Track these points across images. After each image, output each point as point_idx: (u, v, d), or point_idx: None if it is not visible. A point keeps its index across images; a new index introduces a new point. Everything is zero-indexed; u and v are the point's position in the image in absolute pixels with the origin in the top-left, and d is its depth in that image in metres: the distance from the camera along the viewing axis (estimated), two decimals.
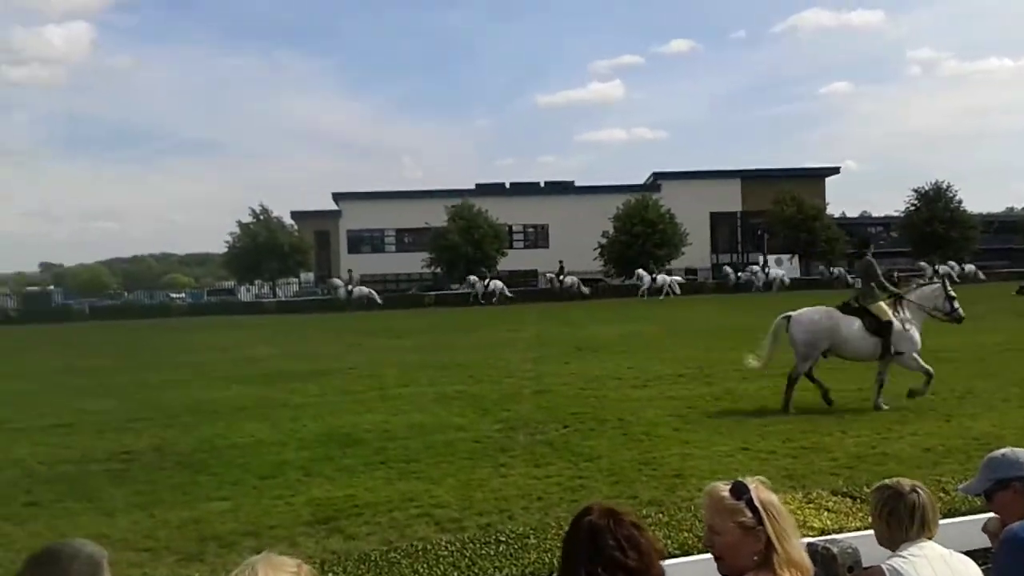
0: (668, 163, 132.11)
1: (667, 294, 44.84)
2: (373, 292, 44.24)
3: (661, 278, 46.36)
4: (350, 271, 46.50)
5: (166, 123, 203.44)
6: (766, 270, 49.78)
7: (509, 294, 45.32)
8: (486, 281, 45.27)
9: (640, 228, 50.23)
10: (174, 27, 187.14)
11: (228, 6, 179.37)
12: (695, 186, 59.91)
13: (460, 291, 45.85)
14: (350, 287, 44.09)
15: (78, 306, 47.57)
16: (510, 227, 56.12)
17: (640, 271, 47.08)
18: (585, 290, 46.29)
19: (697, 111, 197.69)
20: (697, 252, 54.90)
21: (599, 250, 51.73)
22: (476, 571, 4.50)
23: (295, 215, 56.94)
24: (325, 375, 15.72)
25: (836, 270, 51.62)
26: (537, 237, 61.25)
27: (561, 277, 47.35)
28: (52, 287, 72.26)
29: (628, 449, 8.83)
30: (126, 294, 59.02)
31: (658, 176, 62.19)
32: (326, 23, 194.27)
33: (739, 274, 50.25)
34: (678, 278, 47.95)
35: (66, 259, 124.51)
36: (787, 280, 49.25)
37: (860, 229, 61.97)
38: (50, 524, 6.86)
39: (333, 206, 60.42)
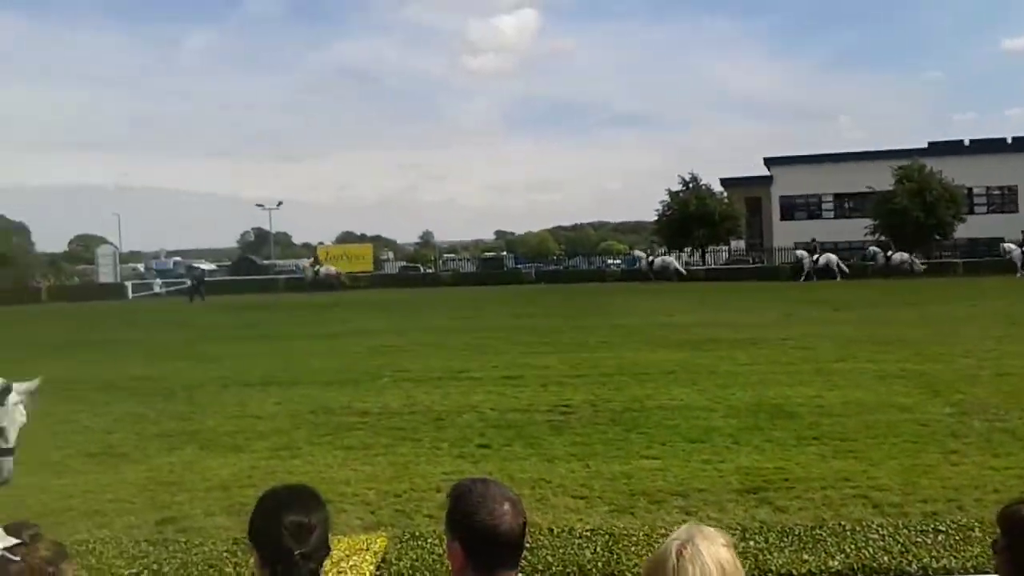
0: None
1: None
2: (675, 262, 43.62)
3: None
4: (652, 243, 45.80)
5: (601, 97, 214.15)
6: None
7: (844, 268, 40.45)
8: (815, 256, 40.86)
9: None
10: (607, 3, 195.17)
11: None
12: None
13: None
14: (651, 259, 44.24)
15: (526, 270, 52.03)
16: (969, 189, 50.03)
17: (1007, 244, 39.52)
18: (919, 267, 40.29)
19: None
20: None
21: None
22: (909, 559, 4.09)
23: (725, 182, 56.43)
24: (755, 344, 15.41)
25: None
26: (1004, 201, 53.99)
27: (889, 253, 41.58)
28: (504, 252, 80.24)
29: None
30: (567, 259, 63.23)
31: None
32: None
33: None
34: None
35: (517, 227, 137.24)
36: None
37: None
38: (500, 465, 7.54)
39: (764, 172, 59.00)
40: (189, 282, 38.51)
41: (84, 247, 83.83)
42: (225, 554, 3.75)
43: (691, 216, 48.73)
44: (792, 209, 57.57)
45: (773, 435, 8.39)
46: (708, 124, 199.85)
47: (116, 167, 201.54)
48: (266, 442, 8.92)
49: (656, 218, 53.01)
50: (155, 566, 3.63)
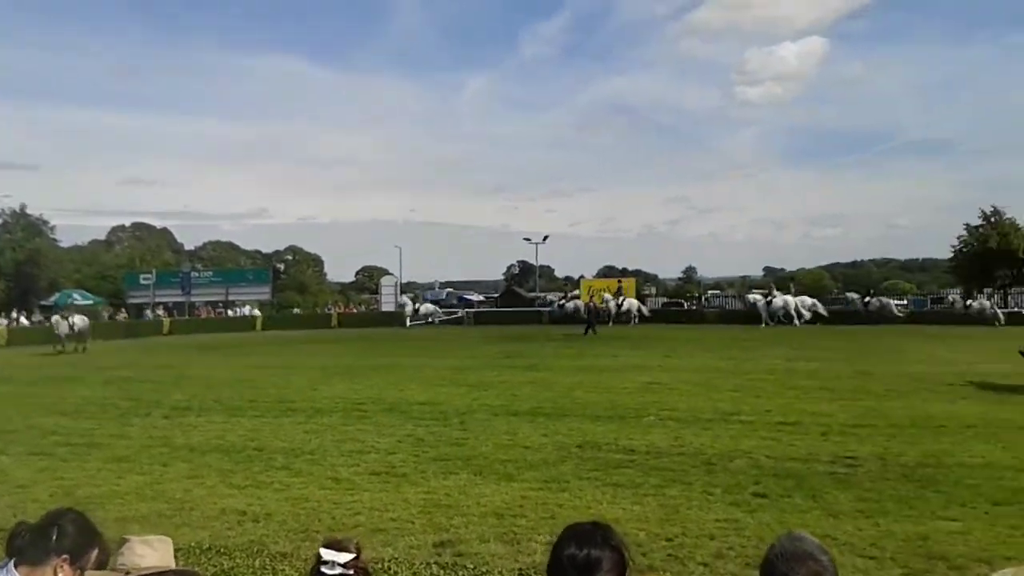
0: None
1: None
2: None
3: None
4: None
5: (892, 126, 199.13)
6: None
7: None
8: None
9: None
10: (901, 27, 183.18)
11: None
12: None
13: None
14: (771, 297, 41.05)
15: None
16: None
17: None
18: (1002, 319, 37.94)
19: None
20: None
21: None
22: None
23: None
24: None
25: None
26: None
27: (969, 303, 39.78)
28: (774, 289, 77.01)
29: None
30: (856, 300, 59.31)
31: None
32: None
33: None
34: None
35: (789, 263, 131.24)
36: None
37: None
38: (778, 516, 7.12)
39: None
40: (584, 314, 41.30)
41: (369, 277, 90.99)
42: None
43: (991, 254, 44.38)
44: None
45: None
46: (1016, 152, 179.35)
47: (405, 204, 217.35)
48: (536, 472, 9.06)
49: (951, 255, 48.91)
50: None
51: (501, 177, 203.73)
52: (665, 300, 66.06)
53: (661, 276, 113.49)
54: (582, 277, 66.79)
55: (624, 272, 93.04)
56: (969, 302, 40.35)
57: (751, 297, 43.58)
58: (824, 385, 16.05)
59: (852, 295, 46.55)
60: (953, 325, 38.11)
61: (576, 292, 49.80)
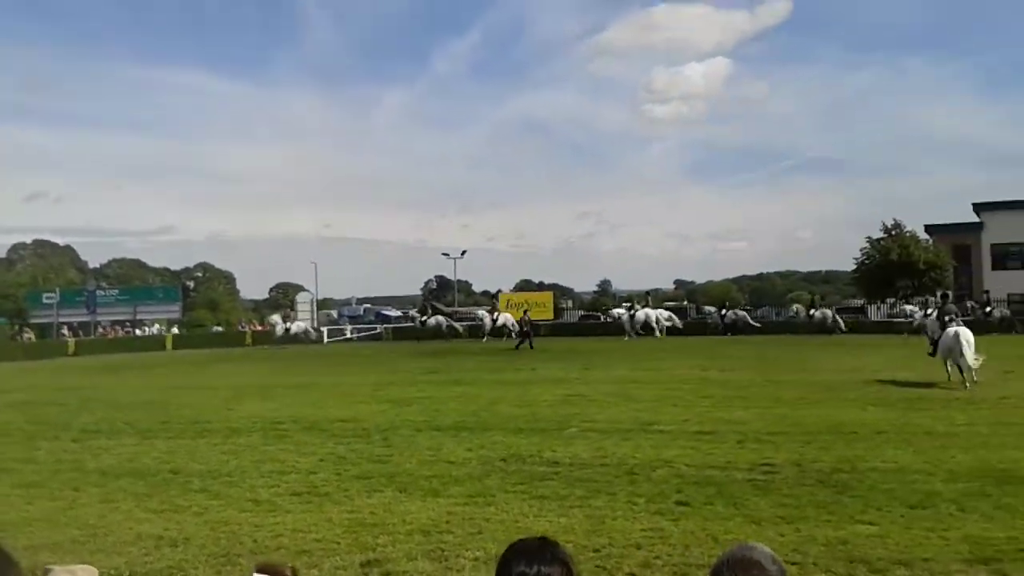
0: None
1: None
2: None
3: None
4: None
5: (792, 144, 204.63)
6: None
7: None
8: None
9: None
10: (801, 49, 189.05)
11: (851, 21, 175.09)
12: None
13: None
14: (633, 311, 42.96)
15: (712, 320, 50.54)
16: None
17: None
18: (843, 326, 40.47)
19: None
20: None
21: None
22: None
23: (930, 229, 53.22)
24: (972, 403, 14.31)
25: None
26: None
27: (812, 312, 42.07)
28: (685, 302, 78.64)
29: None
30: (755, 310, 60.97)
31: None
32: (956, 25, 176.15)
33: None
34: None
35: (697, 276, 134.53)
36: None
37: None
38: (702, 524, 7.23)
39: (974, 218, 55.22)
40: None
41: (283, 294, 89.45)
42: None
43: (893, 265, 46.11)
44: (1005, 257, 53.41)
45: (1003, 502, 7.70)
46: (909, 170, 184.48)
47: (319, 219, 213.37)
48: (461, 487, 9.00)
49: (855, 267, 50.63)
50: None
51: (416, 192, 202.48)
52: (582, 313, 66.76)
53: (577, 289, 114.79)
54: (499, 291, 66.95)
55: (540, 286, 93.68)
56: (812, 311, 42.40)
57: (616, 312, 45.50)
58: (737, 394, 16.40)
59: (710, 309, 48.83)
60: (799, 335, 39.31)
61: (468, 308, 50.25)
